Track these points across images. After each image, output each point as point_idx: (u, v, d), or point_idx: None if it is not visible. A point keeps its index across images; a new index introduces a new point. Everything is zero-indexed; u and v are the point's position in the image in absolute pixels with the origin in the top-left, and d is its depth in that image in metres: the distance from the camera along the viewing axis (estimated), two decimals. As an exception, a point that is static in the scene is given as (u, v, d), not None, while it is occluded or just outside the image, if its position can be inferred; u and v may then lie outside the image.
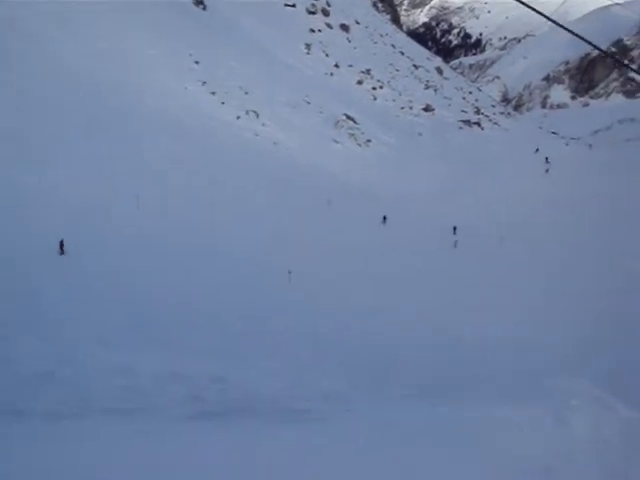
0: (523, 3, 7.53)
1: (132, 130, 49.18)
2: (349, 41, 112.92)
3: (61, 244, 29.64)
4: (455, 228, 49.60)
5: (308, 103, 77.45)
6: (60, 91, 49.31)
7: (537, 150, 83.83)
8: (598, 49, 9.54)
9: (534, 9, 8.02)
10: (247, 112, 67.51)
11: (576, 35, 8.55)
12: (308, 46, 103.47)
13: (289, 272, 32.30)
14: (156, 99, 58.55)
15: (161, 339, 19.69)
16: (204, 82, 68.31)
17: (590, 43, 8.75)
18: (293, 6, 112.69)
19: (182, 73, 67.71)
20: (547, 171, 73.84)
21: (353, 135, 75.56)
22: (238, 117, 65.79)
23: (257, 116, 67.82)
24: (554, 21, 8.32)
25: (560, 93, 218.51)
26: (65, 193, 35.17)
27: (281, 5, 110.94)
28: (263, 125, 66.89)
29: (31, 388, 11.75)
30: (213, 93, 67.53)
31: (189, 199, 42.03)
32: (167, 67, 66.82)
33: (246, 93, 71.19)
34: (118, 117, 50.12)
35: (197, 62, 71.17)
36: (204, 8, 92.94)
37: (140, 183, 40.61)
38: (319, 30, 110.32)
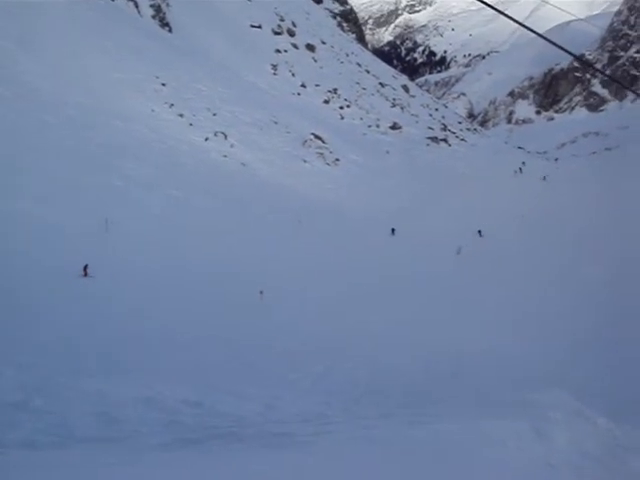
0: (498, 11, 7.56)
1: (99, 153, 48.81)
2: (315, 61, 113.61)
3: (85, 268, 30.14)
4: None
5: (275, 123, 77.56)
6: (23, 114, 48.86)
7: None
8: (575, 56, 9.61)
9: (510, 17, 8.09)
10: (215, 133, 67.39)
11: (557, 45, 8.60)
12: (274, 66, 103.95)
13: (260, 292, 32.14)
14: (123, 121, 58.20)
15: (134, 365, 19.45)
16: (171, 104, 68.12)
17: (571, 53, 8.80)
18: (259, 27, 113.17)
19: (149, 95, 67.42)
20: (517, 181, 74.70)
21: (321, 154, 75.72)
22: (206, 139, 65.65)
23: (225, 137, 67.73)
24: (530, 29, 8.36)
25: (525, 108, 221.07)
26: (32, 217, 34.75)
27: (247, 26, 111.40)
28: (231, 146, 66.79)
29: (5, 418, 11.57)
30: (181, 115, 67.35)
31: (157, 221, 41.75)
32: (133, 89, 66.53)
33: (214, 114, 71.12)
34: (84, 140, 49.76)
35: (164, 84, 70.98)
36: (170, 30, 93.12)
37: (108, 206, 40.29)
38: (285, 50, 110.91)
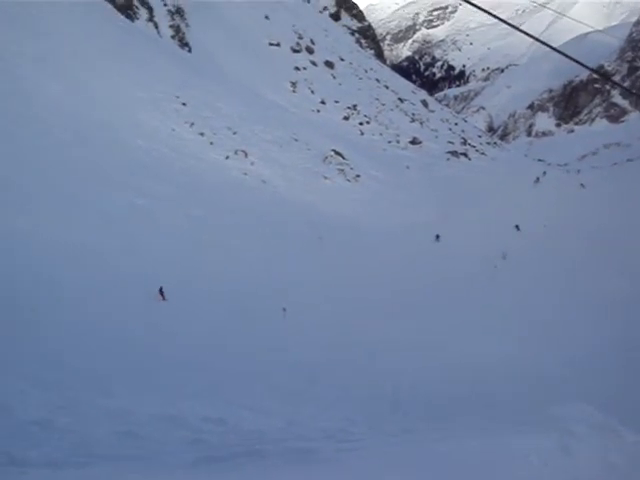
0: (513, 26, 7.56)
1: (120, 172, 49.16)
2: (334, 77, 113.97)
3: (161, 291, 31.16)
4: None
5: (296, 140, 77.75)
6: (45, 133, 49.33)
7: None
8: (590, 69, 9.58)
9: (525, 32, 8.07)
10: (236, 152, 67.67)
11: (572, 59, 8.58)
12: (294, 84, 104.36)
13: (283, 309, 32.15)
14: (144, 141, 58.64)
15: (156, 383, 19.48)
16: (192, 123, 68.53)
17: (586, 66, 8.78)
18: (277, 45, 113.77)
19: (169, 115, 67.86)
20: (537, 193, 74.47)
21: (342, 171, 75.76)
22: (227, 157, 65.95)
23: (246, 155, 67.99)
24: (546, 43, 8.35)
25: (545, 121, 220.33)
26: (54, 236, 34.99)
27: (265, 44, 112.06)
28: (252, 164, 67.02)
29: (29, 436, 11.60)
30: (201, 134, 67.72)
31: (178, 239, 41.92)
32: (154, 109, 66.99)
33: (234, 133, 71.42)
34: (105, 159, 50.15)
35: (184, 103, 71.42)
36: (189, 50, 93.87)
37: (129, 224, 40.57)
38: (304, 68, 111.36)
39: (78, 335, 23.95)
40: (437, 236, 56.48)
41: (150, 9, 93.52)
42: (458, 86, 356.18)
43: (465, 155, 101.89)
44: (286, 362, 24.83)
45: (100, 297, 29.04)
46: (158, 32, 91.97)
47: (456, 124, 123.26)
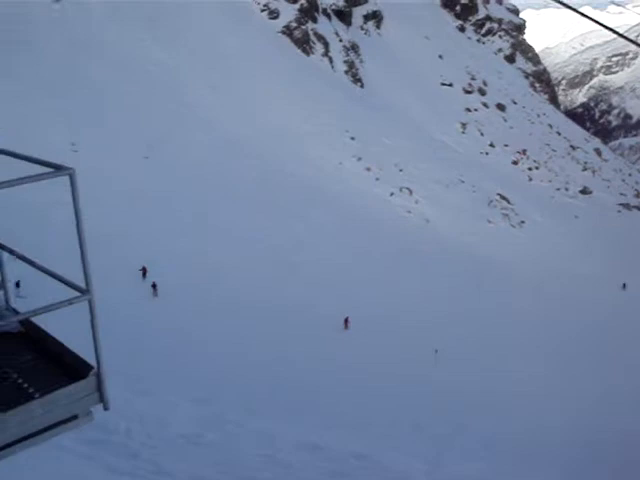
0: None
1: (287, 200, 50.10)
2: (505, 120, 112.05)
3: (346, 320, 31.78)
4: None
5: (462, 181, 76.82)
6: (214, 160, 51.17)
7: None
8: None
9: None
10: (401, 189, 67.62)
11: None
12: (463, 125, 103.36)
13: (435, 350, 31.53)
14: (312, 172, 59.59)
15: (301, 409, 19.46)
16: (359, 158, 69.12)
17: None
18: (450, 85, 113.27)
19: (337, 148, 68.76)
20: None
21: (507, 215, 74.10)
22: (392, 193, 65.97)
23: (410, 193, 67.78)
24: None
25: None
26: (211, 259, 36.10)
27: (437, 84, 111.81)
28: (416, 202, 66.72)
29: (178, 449, 11.74)
30: (368, 169, 68.15)
31: (339, 269, 42.20)
32: (323, 141, 68.07)
33: (400, 170, 71.44)
34: (272, 187, 51.31)
35: (353, 138, 72.22)
36: (362, 86, 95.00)
37: (292, 252, 41.27)
38: (475, 109, 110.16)
39: (223, 354, 24.44)
40: (624, 285, 54.43)
41: (326, 44, 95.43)
42: (634, 136, 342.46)
43: (638, 208, 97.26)
44: (434, 405, 24.26)
45: (278, 324, 29.64)
46: (332, 67, 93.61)
47: (630, 175, 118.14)
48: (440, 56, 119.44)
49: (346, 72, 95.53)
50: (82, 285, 4.85)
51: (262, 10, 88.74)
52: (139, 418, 13.54)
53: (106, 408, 4.98)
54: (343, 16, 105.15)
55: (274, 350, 26.24)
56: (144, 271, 32.18)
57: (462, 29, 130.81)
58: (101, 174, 40.45)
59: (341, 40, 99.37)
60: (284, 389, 21.65)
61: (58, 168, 4.76)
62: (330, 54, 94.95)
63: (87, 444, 11.41)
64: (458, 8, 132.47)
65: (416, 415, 22.24)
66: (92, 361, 4.85)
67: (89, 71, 55.73)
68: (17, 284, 22.09)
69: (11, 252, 5.72)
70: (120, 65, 59.91)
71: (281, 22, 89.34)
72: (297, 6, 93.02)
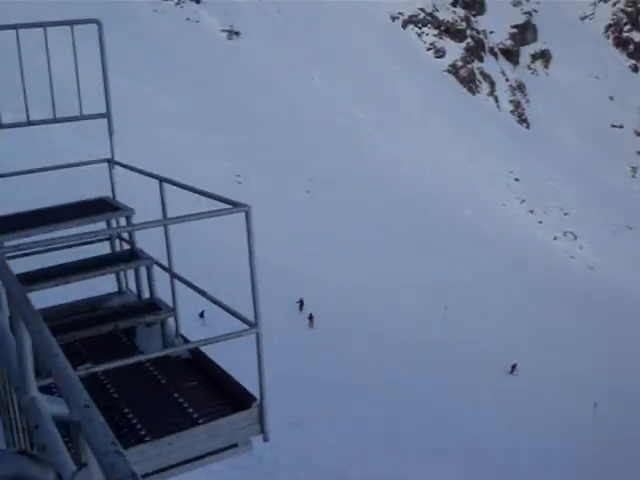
0: None
1: (447, 240, 49.52)
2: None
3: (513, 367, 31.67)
4: None
5: (630, 228, 73.44)
6: (381, 194, 51.36)
7: None
8: None
9: None
10: (565, 233, 65.53)
11: None
12: (634, 169, 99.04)
13: (594, 404, 30.19)
14: (472, 212, 58.71)
15: (452, 451, 18.91)
16: (522, 200, 67.61)
17: None
18: (620, 127, 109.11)
19: (501, 189, 67.67)
20: None
21: (680, 266, 70.05)
22: (555, 237, 64.00)
23: (575, 238, 65.50)
24: None
25: None
26: (369, 295, 36.04)
27: (607, 126, 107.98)
28: (580, 248, 64.43)
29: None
30: (531, 211, 66.54)
31: (501, 312, 41.30)
32: (486, 182, 67.09)
33: (565, 214, 69.30)
34: (431, 225, 50.85)
35: (517, 179, 70.79)
36: (527, 126, 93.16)
37: (450, 292, 40.71)
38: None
39: (384, 391, 24.13)
40: None
41: (492, 83, 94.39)
42: None
43: None
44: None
45: (430, 364, 29.20)
46: (498, 106, 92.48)
47: None
48: (611, 97, 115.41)
49: (512, 112, 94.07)
50: (251, 318, 5.04)
51: (428, 49, 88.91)
52: (287, 449, 13.70)
53: (266, 439, 5.23)
54: (510, 55, 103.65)
55: (427, 391, 25.82)
56: (301, 303, 32.53)
57: (635, 69, 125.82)
58: (263, 206, 41.24)
59: (507, 79, 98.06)
60: (431, 431, 21.22)
61: (234, 205, 4.87)
62: (496, 93, 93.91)
63: (236, 469, 11.92)
64: (631, 47, 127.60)
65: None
66: (254, 391, 5.09)
67: (256, 105, 57.31)
68: (201, 314, 22.69)
69: (189, 285, 5.86)
70: (288, 102, 61.41)
71: (447, 61, 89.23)
72: (464, 45, 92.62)
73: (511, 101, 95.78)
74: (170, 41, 59.35)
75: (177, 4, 66.83)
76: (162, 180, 5.99)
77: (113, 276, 7.52)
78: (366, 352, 28.53)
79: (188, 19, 66.17)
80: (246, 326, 5.13)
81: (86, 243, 6.85)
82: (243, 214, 4.83)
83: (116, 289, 7.73)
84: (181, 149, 45.04)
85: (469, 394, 27.31)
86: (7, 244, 5.69)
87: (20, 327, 3.00)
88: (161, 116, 47.83)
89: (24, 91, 7.34)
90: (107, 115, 7.76)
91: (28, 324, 2.88)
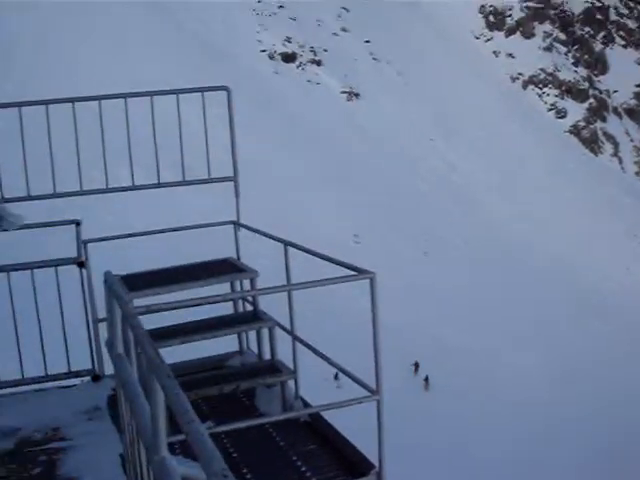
0: None
1: (569, 308, 47.92)
2: None
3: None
4: None
5: None
6: (498, 259, 50.69)
7: None
8: None
9: None
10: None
11: None
12: None
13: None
14: (595, 279, 56.93)
15: None
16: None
17: None
18: None
19: (626, 253, 65.54)
20: None
21: None
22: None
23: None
24: None
25: None
26: (482, 357, 35.33)
27: None
28: None
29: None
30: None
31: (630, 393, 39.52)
32: (610, 245, 65.12)
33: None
34: (554, 287, 49.37)
35: (644, 243, 68.83)
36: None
37: (573, 365, 39.28)
38: None
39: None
40: None
41: (616, 144, 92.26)
42: None
43: None
44: None
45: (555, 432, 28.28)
46: (622, 167, 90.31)
47: None
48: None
49: (637, 173, 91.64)
50: (371, 384, 5.11)
51: (549, 109, 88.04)
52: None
53: None
54: (635, 115, 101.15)
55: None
56: (416, 366, 32.20)
57: None
58: (381, 267, 41.12)
59: (632, 140, 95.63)
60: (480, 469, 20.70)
61: (359, 271, 4.94)
62: (620, 154, 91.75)
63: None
64: None
65: None
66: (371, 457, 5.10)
67: (374, 165, 57.53)
68: (335, 376, 22.80)
69: (310, 348, 5.90)
70: (406, 161, 61.63)
71: (569, 121, 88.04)
72: (586, 105, 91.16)
73: (636, 162, 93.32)
74: (292, 103, 60.70)
75: (298, 67, 68.51)
76: (287, 244, 6.12)
77: (234, 335, 7.73)
78: (487, 416, 27.91)
79: (309, 81, 67.67)
80: (367, 392, 5.13)
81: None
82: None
83: (236, 348, 7.95)
84: (300, 208, 45.57)
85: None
86: (137, 303, 5.89)
87: (155, 386, 3.01)
88: (281, 176, 48.59)
89: (156, 154, 7.74)
90: (234, 179, 8.10)
91: (163, 386, 2.90)
